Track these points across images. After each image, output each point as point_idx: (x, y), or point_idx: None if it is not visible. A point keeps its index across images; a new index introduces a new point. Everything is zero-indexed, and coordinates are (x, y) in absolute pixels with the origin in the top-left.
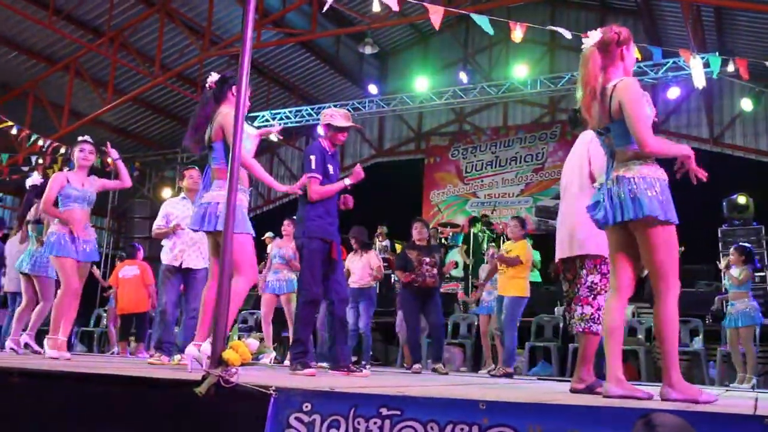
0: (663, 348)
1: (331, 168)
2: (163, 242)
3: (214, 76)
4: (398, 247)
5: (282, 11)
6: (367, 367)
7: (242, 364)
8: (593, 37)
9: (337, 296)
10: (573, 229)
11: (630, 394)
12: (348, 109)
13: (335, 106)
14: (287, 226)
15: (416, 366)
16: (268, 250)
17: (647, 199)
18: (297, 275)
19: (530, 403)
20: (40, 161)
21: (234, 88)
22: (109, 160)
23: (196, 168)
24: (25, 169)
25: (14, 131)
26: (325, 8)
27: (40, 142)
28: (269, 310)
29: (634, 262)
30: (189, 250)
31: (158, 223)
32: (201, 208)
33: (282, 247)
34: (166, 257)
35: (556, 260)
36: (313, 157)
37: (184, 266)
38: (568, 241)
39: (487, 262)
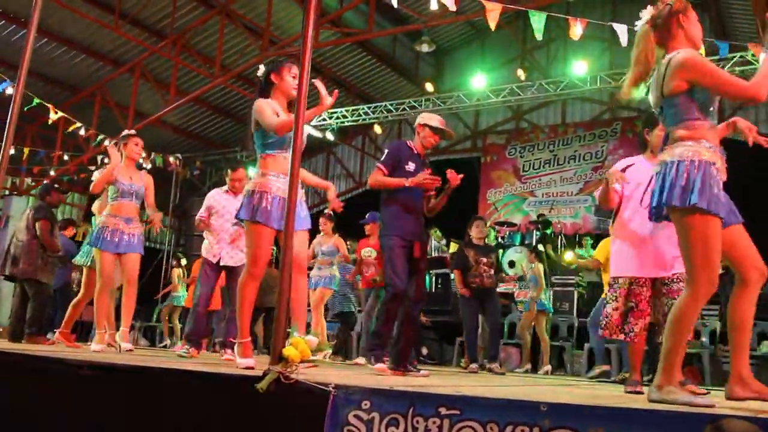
0: (663, 345)
1: (412, 166)
2: (205, 235)
3: (261, 69)
4: (453, 246)
5: (339, 11)
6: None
7: (302, 361)
8: (645, 15)
9: (413, 296)
10: None
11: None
12: (404, 108)
13: (391, 104)
14: (324, 224)
15: (473, 366)
16: (314, 246)
17: (675, 186)
18: (338, 271)
19: (593, 405)
20: (106, 161)
21: (272, 74)
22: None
23: (241, 169)
24: (92, 168)
25: (82, 132)
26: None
27: (106, 142)
28: (317, 302)
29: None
30: (228, 248)
31: (200, 215)
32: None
33: (323, 244)
34: (205, 252)
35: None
36: (387, 150)
37: (222, 263)
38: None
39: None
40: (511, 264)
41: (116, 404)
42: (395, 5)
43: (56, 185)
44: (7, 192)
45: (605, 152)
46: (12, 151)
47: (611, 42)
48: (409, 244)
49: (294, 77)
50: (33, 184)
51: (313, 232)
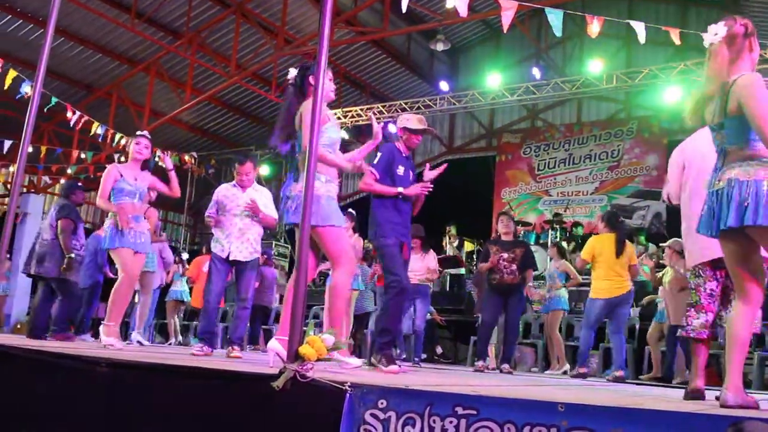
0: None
1: (402, 169)
2: (214, 231)
3: (292, 72)
4: (468, 245)
5: (354, 9)
6: (420, 365)
7: (318, 359)
8: (719, 31)
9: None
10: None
11: (746, 404)
12: (419, 107)
13: (406, 103)
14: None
15: (479, 363)
16: None
17: (759, 206)
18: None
19: (612, 406)
20: (123, 159)
21: (310, 77)
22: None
23: (249, 162)
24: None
25: (99, 130)
26: (404, 8)
27: (123, 141)
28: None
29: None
30: (237, 242)
31: (209, 211)
32: (292, 202)
33: None
34: (214, 247)
35: (702, 261)
36: (380, 154)
37: (231, 258)
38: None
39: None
40: None
41: (134, 401)
42: (404, 9)
43: (80, 184)
44: (24, 190)
45: (621, 151)
46: (29, 149)
47: (627, 40)
48: (400, 243)
49: (330, 79)
50: (50, 182)
51: None
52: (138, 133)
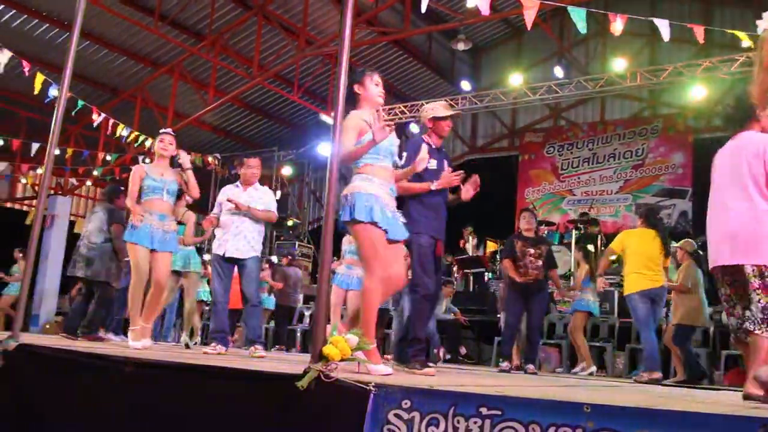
0: None
1: (433, 162)
2: (216, 231)
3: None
4: (491, 245)
5: (375, 10)
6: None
7: (342, 359)
8: None
9: (435, 291)
10: (735, 234)
11: None
12: None
13: (427, 103)
14: None
15: (503, 364)
16: (342, 245)
17: None
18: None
19: (638, 407)
20: (147, 160)
21: (356, 85)
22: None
23: (258, 158)
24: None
25: (124, 132)
26: (423, 8)
27: (147, 143)
28: (338, 302)
29: None
30: (233, 239)
31: (213, 212)
32: (341, 204)
33: (352, 242)
34: (214, 246)
35: (713, 266)
36: (405, 153)
37: (227, 255)
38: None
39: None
40: None
41: (159, 401)
42: (423, 9)
43: (122, 188)
44: (51, 192)
45: (646, 150)
46: (56, 152)
47: (651, 38)
48: (435, 242)
49: (377, 84)
50: (77, 183)
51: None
52: (162, 130)
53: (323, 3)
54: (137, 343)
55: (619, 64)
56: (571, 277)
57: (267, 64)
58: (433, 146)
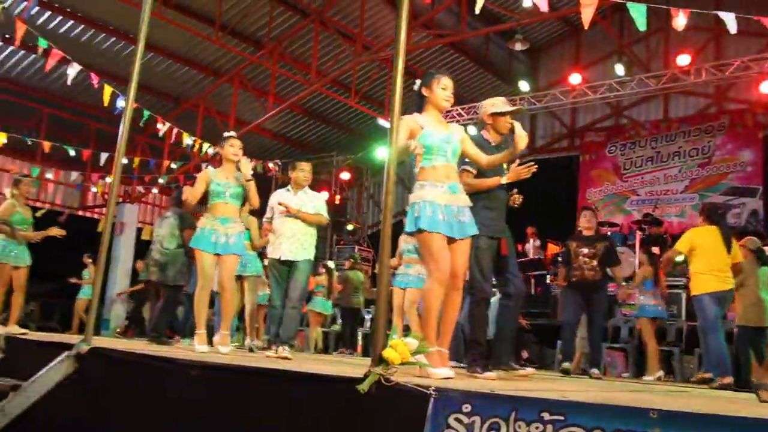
0: None
1: None
2: (269, 236)
3: (416, 85)
4: (551, 247)
5: (431, 12)
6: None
7: (402, 363)
8: None
9: (515, 289)
10: None
11: None
12: None
13: None
14: None
15: (565, 364)
16: (399, 244)
17: None
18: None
19: (708, 414)
20: (211, 168)
21: (423, 88)
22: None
23: (310, 162)
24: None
25: (188, 141)
26: (477, 10)
27: (210, 150)
28: (399, 302)
29: None
30: (288, 243)
31: (265, 217)
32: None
33: (409, 241)
34: (269, 251)
35: None
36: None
37: (282, 258)
38: None
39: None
40: None
41: (223, 403)
42: (477, 11)
43: None
44: (120, 200)
45: (712, 148)
46: (124, 161)
47: (716, 31)
48: (496, 242)
49: (444, 88)
50: (143, 191)
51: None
52: (227, 134)
53: (380, 8)
54: (203, 347)
55: (682, 60)
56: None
57: (325, 70)
58: (492, 143)
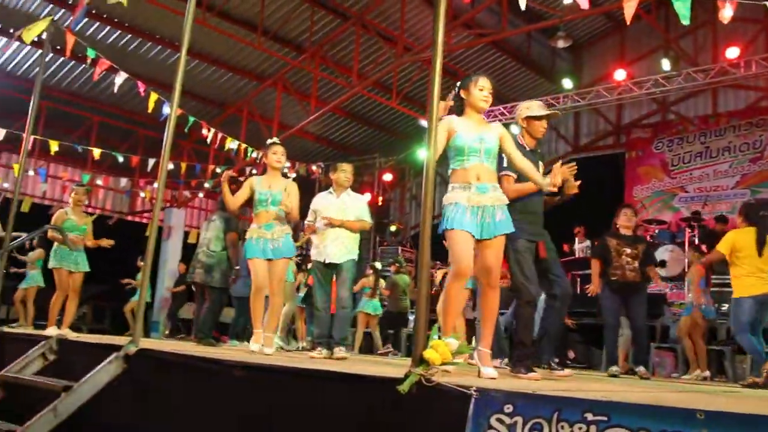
0: None
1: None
2: (312, 237)
3: (456, 89)
4: None
5: (472, 12)
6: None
7: (442, 363)
8: None
9: (561, 290)
10: None
11: None
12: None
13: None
14: None
15: (613, 368)
16: None
17: None
18: None
19: (759, 414)
20: (254, 172)
21: (462, 90)
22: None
23: (351, 164)
24: (241, 179)
25: (232, 145)
26: (522, 6)
27: (254, 154)
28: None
29: None
30: (331, 245)
31: (308, 220)
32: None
33: None
34: (313, 254)
35: None
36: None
37: (327, 261)
38: None
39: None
40: (662, 263)
41: (266, 402)
42: (522, 7)
43: None
44: (167, 205)
45: (764, 142)
46: (170, 166)
47: (766, 23)
48: (534, 245)
49: (481, 89)
50: (190, 196)
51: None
52: (270, 141)
53: (420, 9)
54: (255, 346)
55: (731, 53)
56: (686, 280)
57: (366, 72)
58: (527, 148)
